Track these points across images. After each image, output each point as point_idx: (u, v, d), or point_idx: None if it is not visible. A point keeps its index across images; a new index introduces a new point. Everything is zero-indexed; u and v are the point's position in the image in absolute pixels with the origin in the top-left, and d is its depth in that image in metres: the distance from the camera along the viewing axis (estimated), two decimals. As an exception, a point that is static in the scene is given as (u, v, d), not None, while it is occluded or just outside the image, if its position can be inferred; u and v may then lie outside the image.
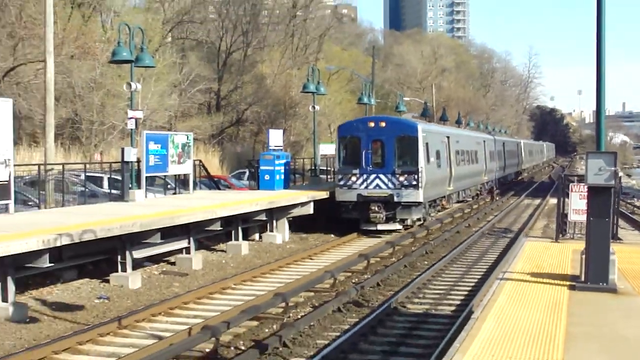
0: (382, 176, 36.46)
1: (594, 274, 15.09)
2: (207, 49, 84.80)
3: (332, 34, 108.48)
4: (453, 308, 20.71)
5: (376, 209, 35.85)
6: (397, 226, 37.22)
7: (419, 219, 38.53)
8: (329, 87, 70.40)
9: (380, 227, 36.28)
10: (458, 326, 16.66)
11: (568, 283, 15.73)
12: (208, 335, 16.30)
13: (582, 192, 20.96)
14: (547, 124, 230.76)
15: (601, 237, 15.12)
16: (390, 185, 36.29)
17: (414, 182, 35.89)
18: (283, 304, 19.74)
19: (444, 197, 44.42)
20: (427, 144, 37.91)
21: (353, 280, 24.79)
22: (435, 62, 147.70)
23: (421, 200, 36.44)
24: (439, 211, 44.81)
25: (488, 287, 18.39)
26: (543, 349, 10.90)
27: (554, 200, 41.70)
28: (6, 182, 24.42)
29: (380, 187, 36.37)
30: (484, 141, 62.46)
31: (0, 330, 18.29)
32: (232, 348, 16.70)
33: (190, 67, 72.26)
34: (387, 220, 36.34)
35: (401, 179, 36.18)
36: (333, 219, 38.66)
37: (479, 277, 25.24)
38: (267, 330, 18.27)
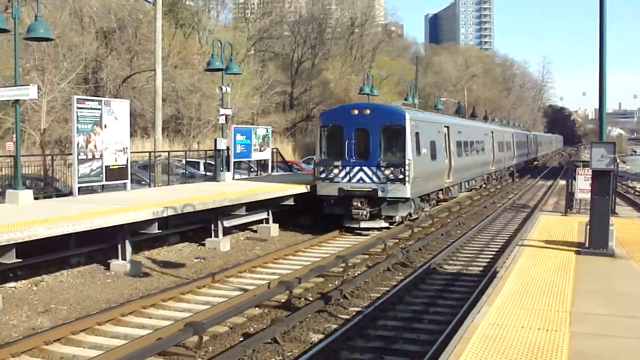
0: (366, 169, 27.45)
1: (596, 242, 14.95)
2: (282, 60, 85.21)
3: (383, 47, 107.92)
4: (481, 268, 20.61)
5: (359, 205, 27.12)
6: (383, 224, 28.16)
7: (407, 216, 29.45)
8: (381, 90, 70.01)
9: (363, 224, 27.59)
10: (485, 283, 16.58)
11: (575, 249, 15.58)
12: (283, 288, 16.46)
13: (586, 175, 20.66)
14: (557, 120, 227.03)
15: (602, 212, 14.98)
16: (374, 179, 27.29)
17: (401, 176, 26.90)
18: (343, 264, 19.83)
19: (442, 190, 34.76)
20: (417, 134, 28.58)
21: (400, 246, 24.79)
22: (467, 69, 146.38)
23: (408, 195, 27.19)
24: (435, 204, 34.92)
25: (510, 251, 18.27)
26: (555, 301, 10.83)
27: (563, 182, 41.22)
28: (125, 166, 24.86)
29: (363, 181, 27.43)
30: (492, 132, 51.53)
31: (120, 282, 18.65)
32: (302, 299, 16.81)
33: (269, 74, 72.61)
34: (372, 217, 27.63)
35: (387, 172, 27.13)
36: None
37: (502, 243, 25.05)
38: (330, 285, 18.35)
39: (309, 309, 15.11)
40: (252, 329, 14.15)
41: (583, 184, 21.68)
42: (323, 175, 27.97)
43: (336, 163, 27.74)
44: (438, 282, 18.57)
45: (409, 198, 27.29)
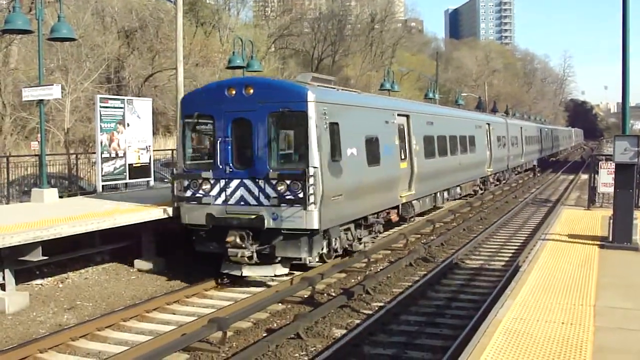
0: (249, 183, 17.42)
1: (620, 235, 14.87)
2: (302, 56, 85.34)
3: (403, 43, 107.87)
4: (503, 263, 20.52)
5: (237, 240, 17.07)
6: (280, 270, 17.92)
7: (324, 255, 18.77)
8: (401, 86, 69.93)
9: (246, 271, 17.63)
10: (507, 277, 16.51)
11: (598, 243, 15.49)
12: (306, 284, 16.49)
13: (609, 168, 20.53)
14: (579, 114, 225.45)
15: (626, 205, 14.90)
16: (262, 199, 17.27)
17: (301, 194, 16.78)
18: (365, 260, 19.82)
19: (396, 207, 23.19)
20: (332, 125, 17.93)
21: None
22: (487, 64, 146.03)
23: (315, 226, 16.89)
24: (380, 232, 22.48)
25: (532, 245, 18.16)
26: (578, 295, 10.78)
27: (585, 176, 40.89)
28: (147, 164, 25.03)
29: (246, 203, 17.42)
30: (488, 125, 40.45)
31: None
32: (325, 295, 16.83)
33: (289, 71, 72.70)
34: (266, 257, 17.50)
35: (280, 187, 17.04)
36: None
37: (524, 238, 24.92)
38: (353, 280, 18.34)
39: (332, 304, 15.13)
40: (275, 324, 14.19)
41: (606, 177, 21.54)
42: (188, 194, 18.09)
43: (205, 174, 17.85)
44: (460, 277, 18.51)
45: (316, 230, 16.88)
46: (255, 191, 17.25)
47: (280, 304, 15.58)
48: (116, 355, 11.92)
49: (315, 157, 16.76)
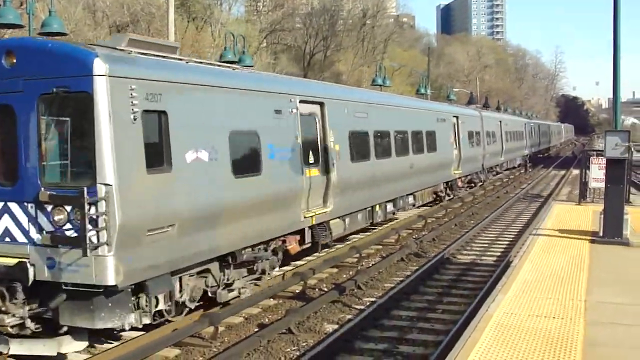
0: (15, 208, 11.11)
1: (611, 230, 14.94)
2: (294, 52, 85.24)
3: (395, 38, 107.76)
4: (495, 258, 20.55)
5: None
6: (71, 347, 11.55)
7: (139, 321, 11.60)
8: (393, 81, 69.88)
9: (14, 349, 11.25)
10: (499, 272, 16.55)
11: (589, 238, 15.56)
12: (298, 279, 16.49)
13: (600, 163, 20.63)
14: (570, 110, 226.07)
15: (617, 200, 14.97)
16: (32, 232, 10.94)
17: (87, 226, 10.14)
18: (357, 255, 19.82)
19: (298, 232, 16.94)
20: (151, 114, 11.47)
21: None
22: (479, 60, 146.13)
23: (110, 281, 10.46)
24: (271, 268, 16.04)
25: (523, 240, 18.21)
26: (569, 290, 10.82)
27: (576, 171, 40.98)
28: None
29: (12, 238, 11.11)
30: (457, 118, 34.42)
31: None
32: (317, 290, 16.83)
33: (281, 66, 72.61)
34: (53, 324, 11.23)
35: (58, 217, 10.71)
36: None
37: (515, 233, 24.97)
38: (344, 275, 18.34)
39: (324, 299, 15.13)
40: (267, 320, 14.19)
41: (597, 173, 21.65)
42: None
43: None
44: (452, 272, 18.53)
45: (112, 286, 10.68)
46: (24, 221, 11.03)
47: (272, 299, 15.56)
48: (108, 350, 11.89)
49: (108, 166, 10.46)
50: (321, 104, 18.06)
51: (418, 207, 29.07)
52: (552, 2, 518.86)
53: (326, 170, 17.86)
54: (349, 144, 19.46)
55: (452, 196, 33.88)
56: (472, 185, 39.84)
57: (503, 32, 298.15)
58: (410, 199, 26.72)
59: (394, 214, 24.96)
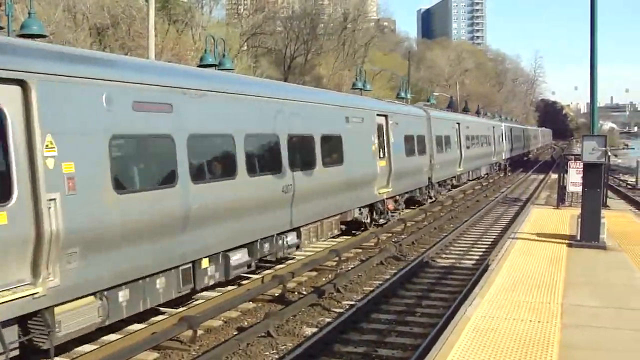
0: None
1: (588, 234, 15.06)
2: (275, 55, 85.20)
3: (376, 42, 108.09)
4: (473, 261, 20.64)
5: None
6: None
7: None
8: (374, 85, 69.98)
9: None
10: (477, 276, 16.63)
11: (566, 241, 15.67)
12: (277, 282, 16.49)
13: (578, 168, 20.76)
14: (549, 114, 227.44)
15: (594, 204, 15.09)
16: None
17: None
18: (337, 258, 19.84)
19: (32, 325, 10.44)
20: None
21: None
22: (459, 64, 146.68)
23: None
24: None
25: (502, 244, 18.32)
26: (546, 293, 10.90)
27: (555, 176, 41.29)
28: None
29: None
30: (385, 117, 26.25)
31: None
32: (296, 293, 16.84)
33: (262, 69, 72.56)
34: None
35: None
36: None
37: (494, 236, 25.09)
38: (324, 279, 18.36)
39: (303, 302, 15.15)
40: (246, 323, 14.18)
41: (575, 177, 21.79)
42: None
43: None
44: (431, 275, 18.59)
45: None
46: None
47: (251, 303, 15.55)
48: (85, 354, 11.84)
49: None
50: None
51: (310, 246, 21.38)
52: (532, 7, 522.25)
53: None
54: (103, 164, 14.00)
55: (379, 222, 25.70)
56: (418, 204, 32.47)
57: (483, 36, 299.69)
58: (291, 237, 18.12)
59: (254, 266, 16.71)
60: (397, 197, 27.66)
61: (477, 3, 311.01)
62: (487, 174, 53.79)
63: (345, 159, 21.42)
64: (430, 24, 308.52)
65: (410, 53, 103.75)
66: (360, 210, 23.53)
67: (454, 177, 40.39)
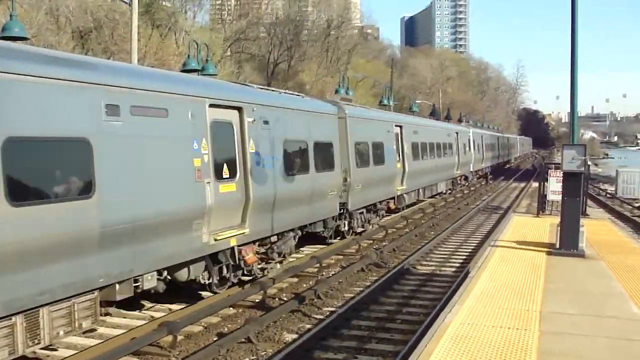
0: None
1: (567, 242, 15.16)
2: (258, 61, 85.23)
3: (359, 49, 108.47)
4: (454, 269, 20.72)
5: None
6: None
7: None
8: (356, 92, 70.29)
9: None
10: (458, 283, 16.70)
11: (546, 249, 15.77)
12: (258, 288, 16.48)
13: (558, 176, 20.94)
14: (531, 123, 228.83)
15: (573, 213, 15.20)
16: None
17: None
18: (317, 265, 19.86)
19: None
20: None
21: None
22: (442, 72, 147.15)
23: None
24: None
25: (482, 252, 18.41)
26: (525, 301, 10.97)
27: (535, 184, 41.51)
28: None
29: None
30: (240, 111, 16.19)
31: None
32: (277, 299, 16.84)
33: (245, 75, 72.53)
34: None
35: None
36: None
37: (475, 244, 25.20)
38: (304, 285, 18.37)
39: (284, 308, 15.15)
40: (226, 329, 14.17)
41: (555, 185, 21.99)
42: None
43: None
44: (412, 283, 18.64)
45: None
46: None
47: (231, 308, 15.54)
48: (65, 358, 11.79)
49: None
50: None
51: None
52: (515, 17, 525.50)
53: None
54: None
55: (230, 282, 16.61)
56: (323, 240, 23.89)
57: (466, 45, 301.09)
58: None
59: None
60: (268, 239, 17.99)
61: (461, 12, 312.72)
62: (448, 190, 45.54)
63: (167, 183, 13.29)
64: (414, 32, 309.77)
65: (393, 60, 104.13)
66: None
67: (392, 198, 30.55)
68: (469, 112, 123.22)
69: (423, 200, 38.35)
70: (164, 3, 69.61)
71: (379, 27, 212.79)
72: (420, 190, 36.34)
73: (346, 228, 24.61)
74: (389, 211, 31.08)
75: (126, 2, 32.19)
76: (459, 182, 49.47)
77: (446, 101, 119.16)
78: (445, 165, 42.87)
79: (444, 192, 43.97)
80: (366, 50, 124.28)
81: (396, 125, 31.59)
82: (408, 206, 34.65)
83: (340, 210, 23.42)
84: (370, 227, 27.37)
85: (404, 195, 32.19)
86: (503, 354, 8.33)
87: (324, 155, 21.72)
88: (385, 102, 55.04)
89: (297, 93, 25.06)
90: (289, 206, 18.39)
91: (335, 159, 22.66)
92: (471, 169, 54.40)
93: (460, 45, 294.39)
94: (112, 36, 53.07)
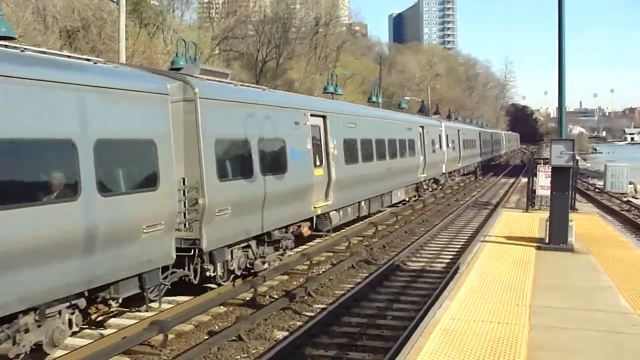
0: None
1: (556, 237, 15.21)
2: (247, 59, 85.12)
3: (347, 47, 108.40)
4: (444, 265, 20.76)
5: None
6: None
7: None
8: (345, 89, 70.15)
9: None
10: (448, 279, 16.73)
11: (535, 244, 15.82)
12: (248, 286, 16.49)
13: (547, 172, 20.97)
14: (520, 118, 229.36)
15: (562, 208, 15.25)
16: None
17: None
18: (308, 262, 19.87)
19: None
20: None
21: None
22: (430, 69, 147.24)
23: None
24: None
25: (472, 247, 18.44)
26: (515, 296, 11.00)
27: (525, 179, 41.60)
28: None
29: None
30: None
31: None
32: (267, 297, 16.84)
33: (233, 73, 72.15)
34: None
35: None
36: None
37: (465, 240, 25.24)
38: (295, 282, 18.38)
39: (274, 306, 15.16)
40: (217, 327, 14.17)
41: (544, 180, 22.00)
42: None
43: None
44: (402, 279, 18.68)
45: None
46: None
47: (222, 307, 15.55)
48: (56, 358, 11.77)
49: None
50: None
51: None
52: (502, 13, 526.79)
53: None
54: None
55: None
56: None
57: (454, 41, 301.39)
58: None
59: None
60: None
61: (449, 8, 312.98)
62: (412, 197, 37.56)
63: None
64: (402, 29, 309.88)
65: (381, 57, 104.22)
66: None
67: (309, 220, 21.53)
68: (457, 108, 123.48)
69: (369, 216, 29.41)
70: (151, 2, 69.44)
71: (367, 24, 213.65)
72: (362, 203, 26.92)
73: (196, 278, 15.66)
74: (304, 239, 22.06)
75: (113, 1, 32.13)
76: (426, 187, 40.89)
77: (435, 97, 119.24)
78: (403, 168, 33.39)
79: (406, 200, 36.08)
80: (354, 47, 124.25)
81: (314, 115, 22.10)
82: (339, 228, 25.39)
83: (189, 251, 14.96)
84: (268, 265, 18.27)
85: (330, 214, 22.82)
86: (493, 349, 8.36)
87: (127, 163, 12.97)
88: (374, 99, 55.09)
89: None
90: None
91: (162, 168, 13.45)
92: (443, 171, 45.63)
93: (449, 42, 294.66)
94: (100, 35, 52.93)
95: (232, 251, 16.60)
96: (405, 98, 72.54)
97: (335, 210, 23.40)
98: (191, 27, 76.86)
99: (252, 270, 17.65)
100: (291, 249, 20.39)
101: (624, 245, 16.68)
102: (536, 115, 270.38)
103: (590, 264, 13.89)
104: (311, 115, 21.65)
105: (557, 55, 16.07)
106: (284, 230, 19.19)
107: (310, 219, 21.55)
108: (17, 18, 42.78)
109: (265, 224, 17.69)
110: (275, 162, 18.68)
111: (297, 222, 20.36)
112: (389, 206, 32.89)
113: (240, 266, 17.11)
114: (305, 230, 21.04)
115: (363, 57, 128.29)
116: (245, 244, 17.30)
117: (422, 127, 39.29)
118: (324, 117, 22.84)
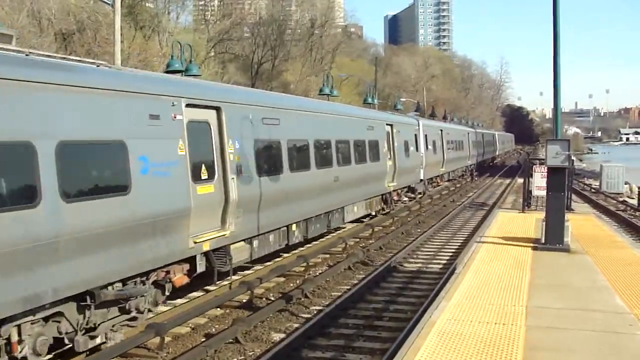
0: None
1: (552, 237, 15.23)
2: (242, 61, 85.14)
3: (343, 48, 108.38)
4: (441, 266, 20.76)
5: None
6: None
7: None
8: (341, 91, 70.28)
9: None
10: (444, 280, 16.74)
11: (531, 245, 15.84)
12: (245, 288, 16.47)
13: (543, 172, 21.01)
14: (515, 119, 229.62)
15: (558, 208, 15.28)
16: None
17: None
18: (304, 264, 19.86)
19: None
20: None
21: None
22: (426, 70, 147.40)
23: None
24: None
25: (468, 248, 18.45)
26: (511, 296, 11.01)
27: (521, 180, 41.64)
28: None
29: None
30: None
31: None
32: (264, 299, 16.83)
33: (229, 75, 72.44)
34: None
35: None
36: None
37: (461, 240, 25.25)
38: (292, 284, 18.37)
39: (271, 308, 15.15)
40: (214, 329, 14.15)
41: (540, 181, 22.05)
42: None
43: None
44: (399, 280, 18.67)
45: None
46: None
47: (218, 309, 15.52)
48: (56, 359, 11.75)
49: None
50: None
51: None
52: (498, 14, 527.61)
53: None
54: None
55: None
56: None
57: (449, 42, 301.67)
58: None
59: None
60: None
61: (444, 10, 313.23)
62: (379, 211, 31.38)
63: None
64: (397, 30, 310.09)
65: (377, 59, 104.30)
66: None
67: (187, 260, 14.45)
68: (453, 109, 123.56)
69: (309, 242, 23.60)
70: (147, 4, 69.45)
71: (363, 25, 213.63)
72: (293, 227, 20.44)
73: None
74: (177, 290, 14.83)
75: (109, 4, 32.03)
76: (397, 198, 34.67)
77: (430, 99, 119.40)
78: (361, 177, 26.81)
79: (371, 214, 30.12)
80: (350, 49, 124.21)
81: (197, 105, 14.92)
82: (239, 269, 18.77)
83: None
84: (105, 339, 12.23)
85: (230, 247, 16.14)
86: (489, 349, 8.36)
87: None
88: (370, 100, 55.06)
89: None
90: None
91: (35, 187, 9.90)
92: (422, 177, 39.45)
93: (444, 43, 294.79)
94: (96, 38, 52.88)
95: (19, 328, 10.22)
96: (401, 99, 72.49)
97: (243, 241, 16.86)
98: (187, 29, 76.91)
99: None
100: (156, 304, 13.78)
101: (620, 245, 16.71)
102: (532, 116, 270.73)
103: (587, 264, 13.90)
104: (189, 105, 14.38)
105: (552, 56, 16.11)
106: (135, 282, 12.68)
107: (190, 260, 14.50)
108: (12, 21, 42.72)
109: (84, 276, 10.99)
110: (99, 179, 11.75)
111: (161, 268, 13.40)
112: (350, 222, 27.45)
113: (39, 350, 10.56)
114: (178, 279, 14.14)
115: (359, 58, 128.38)
116: (51, 311, 10.75)
117: (391, 125, 32.57)
118: (217, 108, 15.73)
